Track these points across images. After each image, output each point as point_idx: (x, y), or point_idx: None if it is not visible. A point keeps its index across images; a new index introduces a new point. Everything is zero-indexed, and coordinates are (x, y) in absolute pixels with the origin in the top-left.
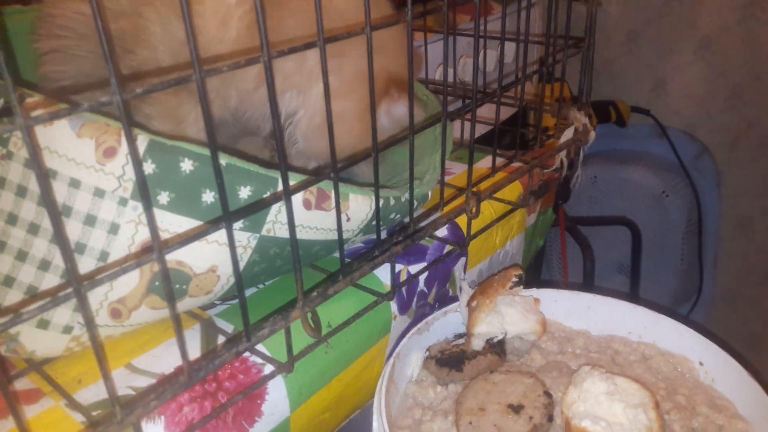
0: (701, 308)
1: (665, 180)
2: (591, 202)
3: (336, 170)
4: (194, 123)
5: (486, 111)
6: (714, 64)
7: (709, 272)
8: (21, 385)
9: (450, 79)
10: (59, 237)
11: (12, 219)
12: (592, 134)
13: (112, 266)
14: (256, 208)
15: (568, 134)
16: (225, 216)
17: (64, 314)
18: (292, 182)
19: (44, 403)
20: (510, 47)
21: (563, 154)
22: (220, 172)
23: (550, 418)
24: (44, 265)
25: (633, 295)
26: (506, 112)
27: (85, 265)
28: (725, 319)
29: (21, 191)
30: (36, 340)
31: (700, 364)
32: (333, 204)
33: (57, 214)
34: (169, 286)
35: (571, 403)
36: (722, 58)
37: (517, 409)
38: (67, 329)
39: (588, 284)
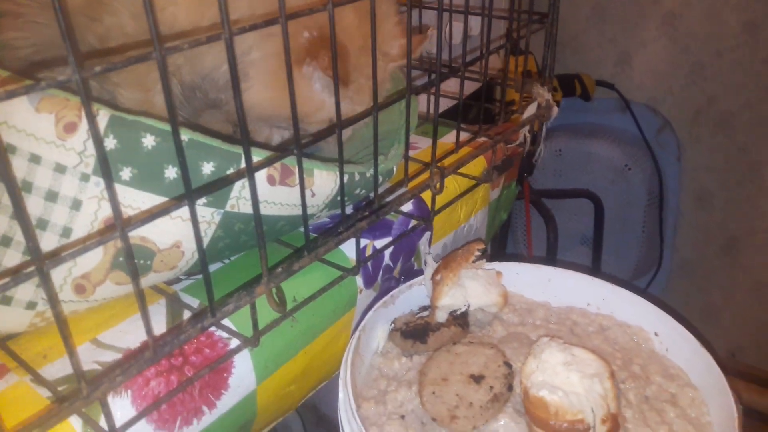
0: (661, 279)
1: (628, 154)
2: (556, 176)
3: (300, 146)
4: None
5: (453, 85)
6: (677, 39)
7: (669, 244)
8: None
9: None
10: (19, 214)
11: None
12: (555, 109)
13: (76, 243)
14: (220, 185)
15: (531, 109)
16: (187, 193)
17: (27, 290)
18: (256, 158)
19: (9, 378)
20: (476, 21)
21: (526, 129)
22: (182, 149)
23: (510, 388)
24: (5, 242)
25: (595, 267)
26: (473, 87)
27: (48, 241)
28: (684, 290)
29: None
30: None
31: (656, 334)
32: (297, 180)
33: (17, 190)
34: (133, 264)
35: (529, 373)
36: (685, 34)
37: (478, 379)
38: (31, 305)
39: (551, 256)
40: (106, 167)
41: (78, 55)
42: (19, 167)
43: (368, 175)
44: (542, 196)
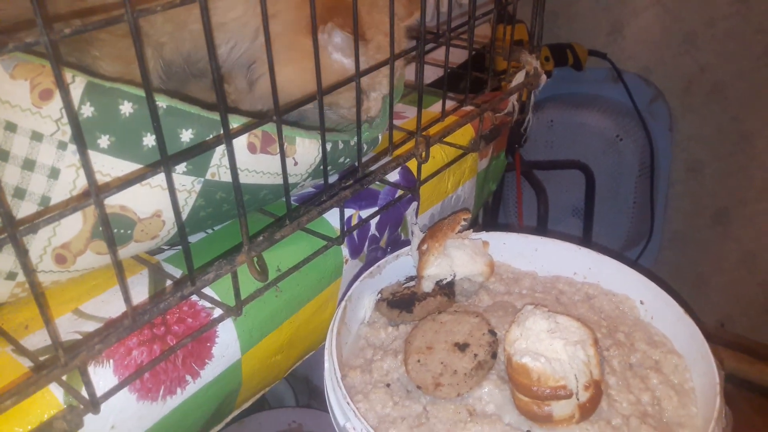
0: (652, 250)
1: (620, 124)
2: (547, 147)
3: (279, 113)
4: (149, 69)
5: (444, 53)
6: (670, 7)
7: (659, 215)
8: None
9: None
10: None
11: None
12: (543, 78)
13: (53, 211)
14: (197, 151)
15: (519, 77)
16: (163, 159)
17: (6, 260)
18: (235, 125)
19: None
20: None
21: (515, 97)
22: (156, 114)
23: (494, 356)
24: None
25: (586, 238)
26: (465, 55)
27: (26, 210)
28: (674, 261)
29: None
30: None
31: (641, 302)
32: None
33: None
34: (109, 230)
35: (513, 340)
36: (678, 2)
37: (462, 347)
38: (11, 275)
39: (542, 227)
40: (78, 130)
41: (46, 17)
42: None
43: (352, 143)
44: (533, 167)
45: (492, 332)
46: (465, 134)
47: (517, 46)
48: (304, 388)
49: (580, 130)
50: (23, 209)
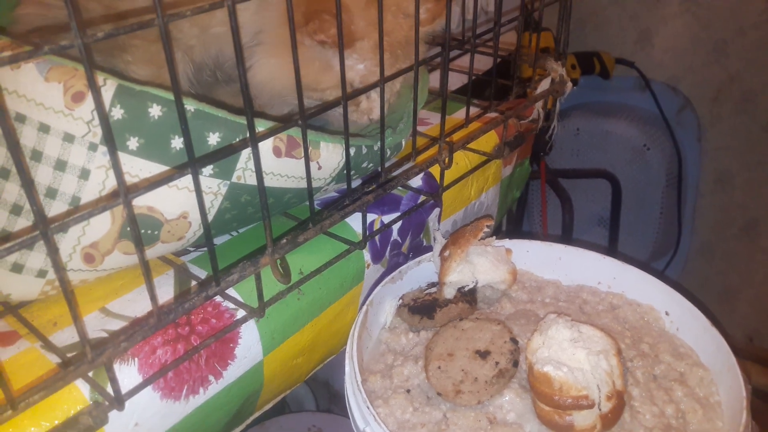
0: (679, 261)
1: (647, 133)
2: (573, 155)
3: (304, 117)
4: (180, 73)
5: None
6: (699, 16)
7: (687, 226)
8: None
9: None
10: (23, 179)
11: None
12: (569, 85)
13: (83, 210)
14: (223, 154)
15: (544, 85)
16: (190, 161)
17: (37, 258)
18: (261, 128)
19: (20, 345)
20: None
21: (540, 104)
22: (185, 117)
23: (515, 364)
24: (16, 210)
25: (612, 248)
26: (490, 62)
27: (57, 209)
28: (702, 273)
29: None
30: (10, 283)
31: (666, 313)
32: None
33: (21, 156)
34: (136, 229)
35: (535, 349)
36: (707, 11)
37: (484, 354)
38: (42, 273)
39: (566, 236)
40: (110, 135)
41: (80, 22)
42: (29, 136)
43: (376, 148)
44: (559, 175)
45: (514, 340)
46: (489, 141)
47: (543, 54)
48: (324, 392)
49: (607, 138)
50: (54, 208)
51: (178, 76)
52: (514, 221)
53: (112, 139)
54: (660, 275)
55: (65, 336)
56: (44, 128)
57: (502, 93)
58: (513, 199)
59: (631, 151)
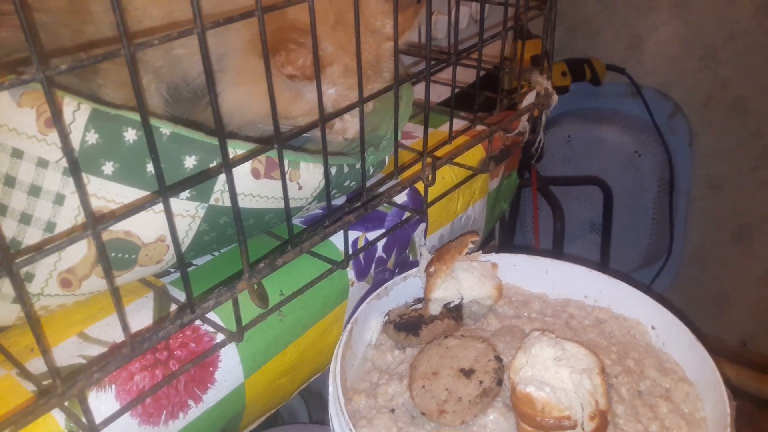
0: (671, 267)
1: (638, 139)
2: (565, 162)
3: (280, 139)
4: (154, 93)
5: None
6: (690, 22)
7: (679, 231)
8: None
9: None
10: None
11: None
12: (555, 98)
13: (59, 237)
14: (199, 180)
15: (530, 98)
16: (162, 190)
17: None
18: (239, 150)
19: None
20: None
21: (526, 117)
22: (154, 143)
23: (500, 383)
24: None
25: (604, 255)
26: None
27: (32, 235)
28: (695, 278)
29: None
30: None
31: (652, 328)
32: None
33: None
34: (106, 260)
35: (518, 368)
36: (698, 17)
37: (468, 373)
38: (18, 300)
39: (558, 245)
40: (74, 164)
41: (41, 54)
42: (2, 161)
43: (358, 166)
44: (550, 183)
45: (498, 358)
46: (475, 154)
47: (528, 66)
48: (317, 403)
49: (599, 145)
50: (29, 235)
51: (146, 102)
52: (507, 230)
53: (77, 170)
54: (646, 289)
55: (42, 362)
56: (17, 153)
57: (491, 105)
58: (501, 211)
59: (622, 158)
